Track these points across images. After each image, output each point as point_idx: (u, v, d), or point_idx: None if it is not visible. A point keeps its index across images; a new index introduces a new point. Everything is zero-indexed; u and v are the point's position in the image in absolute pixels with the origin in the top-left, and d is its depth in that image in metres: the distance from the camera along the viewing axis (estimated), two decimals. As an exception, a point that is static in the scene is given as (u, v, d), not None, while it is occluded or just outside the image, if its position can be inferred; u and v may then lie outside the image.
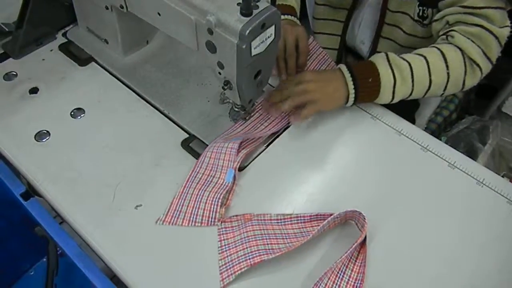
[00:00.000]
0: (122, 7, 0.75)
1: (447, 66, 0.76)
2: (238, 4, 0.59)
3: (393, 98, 0.77)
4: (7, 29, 0.89)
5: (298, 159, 0.76)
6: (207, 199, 0.68)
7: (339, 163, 0.76)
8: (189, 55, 0.90)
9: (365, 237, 0.64)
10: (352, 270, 0.63)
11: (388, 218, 0.69)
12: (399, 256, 0.66)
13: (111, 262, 0.63)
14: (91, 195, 0.69)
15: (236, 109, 0.77)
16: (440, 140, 0.81)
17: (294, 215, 0.68)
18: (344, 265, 0.63)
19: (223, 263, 0.62)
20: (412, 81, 0.76)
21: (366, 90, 0.76)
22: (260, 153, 0.76)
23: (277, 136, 0.79)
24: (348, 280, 0.62)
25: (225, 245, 0.64)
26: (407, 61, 0.76)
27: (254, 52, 0.61)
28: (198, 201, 0.68)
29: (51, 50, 0.90)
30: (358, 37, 0.98)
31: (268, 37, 0.62)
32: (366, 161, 0.77)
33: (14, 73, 0.85)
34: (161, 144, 0.76)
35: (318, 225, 0.65)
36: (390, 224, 0.69)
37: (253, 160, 0.75)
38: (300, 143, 0.78)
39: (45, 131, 0.77)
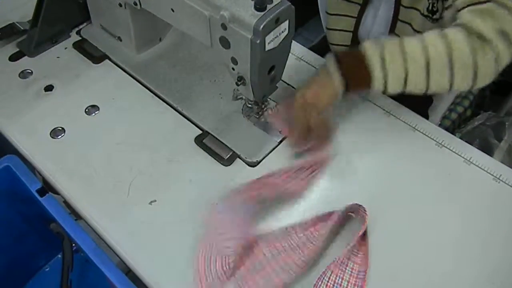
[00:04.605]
0: (135, 4, 0.76)
1: (446, 41, 0.64)
2: (252, -1, 0.59)
3: (386, 77, 0.66)
4: (22, 28, 0.90)
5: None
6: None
7: (352, 159, 0.76)
8: (202, 52, 0.90)
9: (366, 229, 0.64)
10: (354, 262, 0.63)
11: (404, 214, 0.69)
12: (409, 252, 0.65)
13: (126, 257, 0.63)
14: (106, 191, 0.70)
15: (249, 106, 0.78)
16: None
17: (297, 224, 0.66)
18: (347, 257, 0.63)
19: None
20: (404, 54, 0.65)
21: (351, 67, 0.68)
22: (272, 150, 0.76)
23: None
24: (351, 272, 0.62)
25: (239, 278, 0.61)
26: (397, 38, 0.67)
27: (268, 47, 0.61)
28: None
29: (66, 48, 0.91)
30: (372, 33, 0.97)
31: (282, 32, 0.62)
32: (380, 156, 0.76)
33: (29, 71, 0.86)
34: (174, 140, 0.77)
35: (323, 227, 0.65)
36: (406, 220, 0.68)
37: (264, 158, 0.75)
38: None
39: (60, 128, 0.77)
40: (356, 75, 0.68)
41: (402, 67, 0.65)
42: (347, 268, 0.63)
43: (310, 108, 0.70)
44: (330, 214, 0.65)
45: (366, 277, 0.62)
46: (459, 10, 0.70)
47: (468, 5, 0.68)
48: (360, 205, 0.65)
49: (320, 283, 0.61)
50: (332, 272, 0.62)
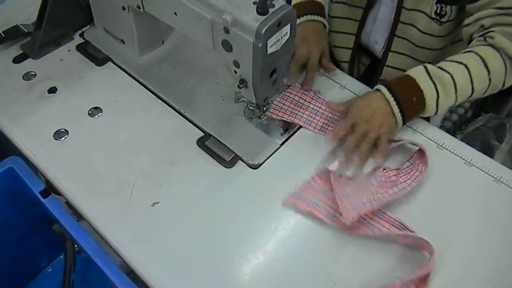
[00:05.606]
0: (139, 7, 0.76)
1: (488, 72, 0.74)
2: (254, 3, 0.59)
3: (437, 111, 0.76)
4: (26, 30, 0.91)
5: (311, 162, 0.76)
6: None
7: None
8: (204, 54, 0.91)
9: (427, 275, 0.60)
10: None
11: (404, 215, 0.69)
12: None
13: (128, 258, 0.64)
14: (109, 193, 0.70)
15: (251, 108, 0.78)
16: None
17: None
18: None
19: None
20: (456, 92, 0.74)
21: (411, 110, 0.75)
22: (274, 152, 0.76)
23: (291, 136, 0.79)
24: None
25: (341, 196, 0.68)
26: (448, 72, 0.74)
27: (270, 50, 0.62)
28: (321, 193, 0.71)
29: (69, 51, 0.91)
30: (372, 36, 0.97)
31: (284, 35, 0.62)
32: (381, 159, 0.76)
33: (33, 73, 0.86)
34: (177, 142, 0.77)
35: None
36: (406, 221, 0.68)
37: (266, 160, 0.75)
38: (311, 145, 0.78)
39: (64, 130, 0.78)
40: (413, 110, 0.75)
41: (453, 101, 0.76)
42: None
43: (371, 134, 0.73)
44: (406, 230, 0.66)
45: None
46: (486, 28, 0.76)
47: (496, 25, 0.74)
48: (427, 242, 0.62)
49: None
50: None
